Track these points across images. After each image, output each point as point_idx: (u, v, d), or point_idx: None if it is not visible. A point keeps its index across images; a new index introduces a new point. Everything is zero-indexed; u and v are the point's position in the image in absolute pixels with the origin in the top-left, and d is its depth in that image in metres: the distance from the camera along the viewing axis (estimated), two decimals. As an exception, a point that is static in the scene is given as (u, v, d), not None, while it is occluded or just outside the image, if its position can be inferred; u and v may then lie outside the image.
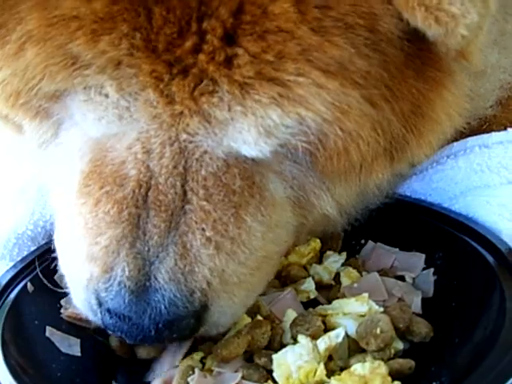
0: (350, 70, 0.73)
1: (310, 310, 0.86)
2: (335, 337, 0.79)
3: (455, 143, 0.97)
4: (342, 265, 0.95)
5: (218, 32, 0.70)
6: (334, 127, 0.75)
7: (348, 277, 0.92)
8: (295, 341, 0.81)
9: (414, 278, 0.92)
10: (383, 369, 0.75)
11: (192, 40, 0.71)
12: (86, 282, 0.78)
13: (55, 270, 0.90)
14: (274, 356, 0.79)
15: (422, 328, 0.83)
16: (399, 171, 0.88)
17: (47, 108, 0.79)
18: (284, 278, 0.94)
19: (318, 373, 0.76)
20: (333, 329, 0.82)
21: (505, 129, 0.96)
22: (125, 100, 0.73)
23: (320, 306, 0.87)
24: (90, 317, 0.82)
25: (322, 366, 0.76)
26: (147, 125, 0.75)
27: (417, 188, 0.98)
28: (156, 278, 0.75)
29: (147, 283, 0.75)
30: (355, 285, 0.90)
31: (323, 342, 0.79)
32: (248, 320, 0.85)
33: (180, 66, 0.72)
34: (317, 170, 0.80)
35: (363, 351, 0.80)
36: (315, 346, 0.78)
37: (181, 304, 0.76)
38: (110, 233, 0.76)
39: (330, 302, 0.89)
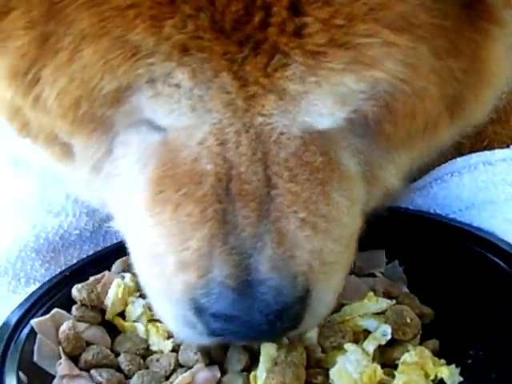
0: (416, 25, 0.71)
1: (328, 319, 0.83)
2: (382, 335, 0.79)
3: (458, 159, 0.97)
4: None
5: (283, 3, 0.67)
6: (405, 86, 0.72)
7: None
8: (323, 353, 0.81)
9: (382, 273, 0.93)
10: (426, 351, 0.78)
11: (259, 15, 0.67)
12: (179, 293, 0.73)
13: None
14: (332, 370, 0.76)
15: (427, 310, 0.86)
16: (458, 130, 0.87)
17: (108, 117, 0.74)
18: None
19: (377, 373, 0.76)
20: (357, 332, 0.82)
21: (507, 146, 0.97)
22: (198, 88, 0.69)
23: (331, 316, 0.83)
24: (185, 333, 0.76)
25: (378, 366, 0.76)
26: (220, 114, 0.71)
27: (420, 203, 0.97)
28: (258, 270, 0.71)
29: (249, 277, 0.71)
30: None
31: (371, 344, 0.79)
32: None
33: (251, 44, 0.68)
34: (382, 141, 0.78)
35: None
36: (363, 349, 0.79)
37: (286, 291, 0.72)
38: (198, 234, 0.72)
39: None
